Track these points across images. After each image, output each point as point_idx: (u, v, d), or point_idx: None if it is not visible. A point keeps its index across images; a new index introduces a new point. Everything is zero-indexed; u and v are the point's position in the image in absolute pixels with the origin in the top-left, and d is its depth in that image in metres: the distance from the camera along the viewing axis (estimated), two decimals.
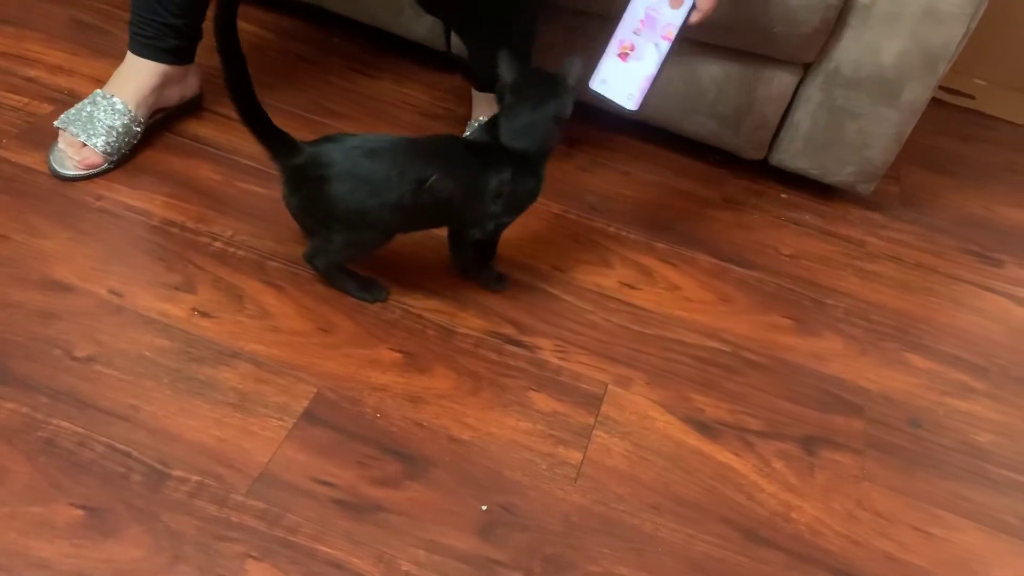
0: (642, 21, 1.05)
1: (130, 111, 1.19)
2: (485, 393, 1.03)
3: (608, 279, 1.22)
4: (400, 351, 1.06)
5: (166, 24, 1.18)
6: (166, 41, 1.20)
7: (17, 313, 0.99)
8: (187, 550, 0.82)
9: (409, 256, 1.18)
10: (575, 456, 0.98)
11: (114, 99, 1.19)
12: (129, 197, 1.17)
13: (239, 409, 0.94)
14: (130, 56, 1.21)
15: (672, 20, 1.03)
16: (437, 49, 1.51)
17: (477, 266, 1.15)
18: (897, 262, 1.39)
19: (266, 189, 1.22)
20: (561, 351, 1.10)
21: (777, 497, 0.99)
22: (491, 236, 1.11)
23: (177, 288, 1.06)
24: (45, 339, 0.97)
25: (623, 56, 1.06)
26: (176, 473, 0.87)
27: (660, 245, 1.30)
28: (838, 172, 1.41)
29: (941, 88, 1.36)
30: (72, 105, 1.20)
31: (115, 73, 1.22)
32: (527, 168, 1.05)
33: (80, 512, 0.83)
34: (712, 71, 1.35)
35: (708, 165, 1.49)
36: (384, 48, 1.57)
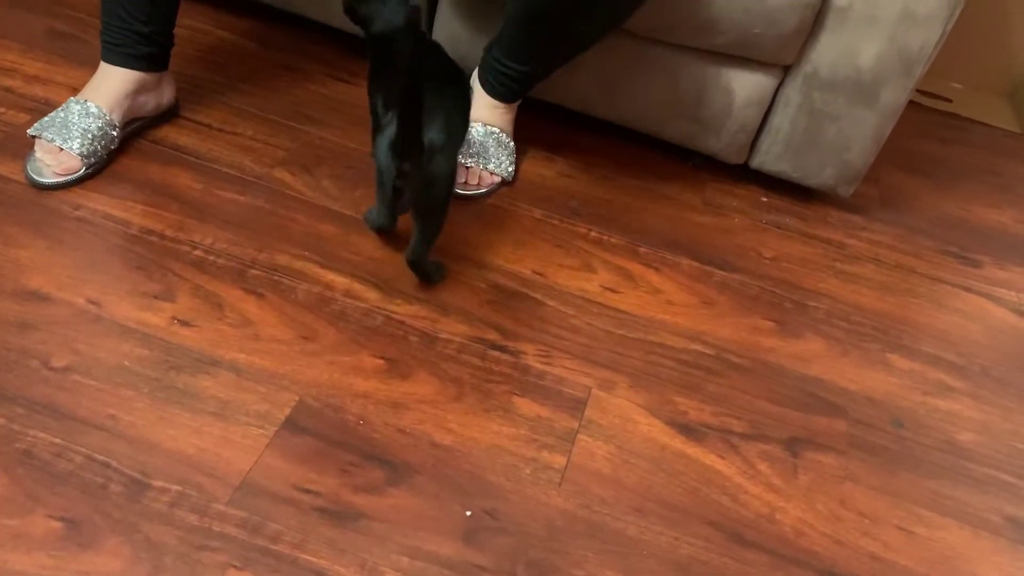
0: None
1: (105, 114, 1.18)
2: (468, 399, 1.02)
3: (591, 283, 1.22)
4: (382, 357, 1.05)
5: (135, 32, 1.18)
6: (137, 48, 1.20)
7: None
8: (167, 561, 0.81)
9: (387, 261, 1.17)
10: (559, 460, 0.98)
11: (88, 104, 1.18)
12: (107, 206, 1.16)
13: (219, 418, 0.94)
14: (103, 65, 1.21)
15: None
16: None
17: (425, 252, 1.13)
18: (877, 263, 1.40)
19: (246, 197, 1.22)
20: (544, 356, 1.10)
21: (761, 499, 0.99)
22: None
23: (156, 297, 1.05)
24: (21, 349, 0.96)
25: None
26: (156, 483, 0.86)
27: (642, 249, 1.30)
28: (818, 175, 1.42)
29: (918, 91, 1.38)
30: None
31: (89, 82, 1.21)
32: None
33: (58, 524, 0.82)
34: (691, 74, 1.35)
35: (689, 169, 1.50)
36: (362, 54, 1.56)
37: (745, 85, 1.34)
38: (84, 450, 0.88)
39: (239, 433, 0.93)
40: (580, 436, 1.01)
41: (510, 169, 1.35)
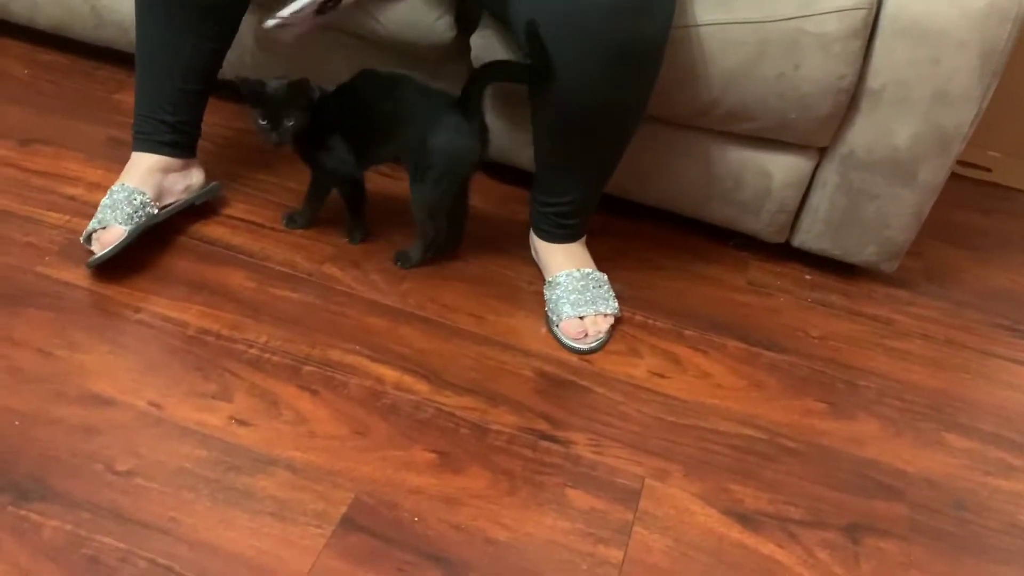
0: None
1: (128, 186, 1.26)
2: (521, 492, 1.03)
3: (638, 369, 1.23)
4: (434, 451, 1.06)
5: (161, 120, 1.28)
6: (163, 136, 1.29)
7: (59, 429, 1.01)
8: None
9: (436, 352, 1.19)
10: (616, 555, 0.97)
11: (113, 187, 1.26)
12: (165, 308, 1.19)
13: (278, 518, 0.95)
14: (132, 155, 1.30)
15: None
16: None
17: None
18: (926, 339, 1.38)
19: (299, 294, 1.25)
20: (595, 445, 1.10)
21: None
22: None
23: (214, 397, 1.08)
24: (86, 454, 0.98)
25: None
26: None
27: (688, 332, 1.31)
28: (860, 252, 1.42)
29: (957, 162, 1.39)
30: None
31: (121, 173, 1.30)
32: None
33: None
34: (727, 158, 1.38)
35: (730, 249, 1.51)
36: None
37: (782, 167, 1.36)
38: (147, 555, 0.89)
39: (297, 533, 0.94)
40: (636, 528, 1.00)
41: (616, 304, 1.29)
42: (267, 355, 1.15)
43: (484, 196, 1.53)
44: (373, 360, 1.17)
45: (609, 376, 1.21)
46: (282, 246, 1.33)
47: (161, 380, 1.09)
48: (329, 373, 1.14)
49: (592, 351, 1.24)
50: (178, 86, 1.27)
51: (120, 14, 1.58)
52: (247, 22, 1.31)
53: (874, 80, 1.25)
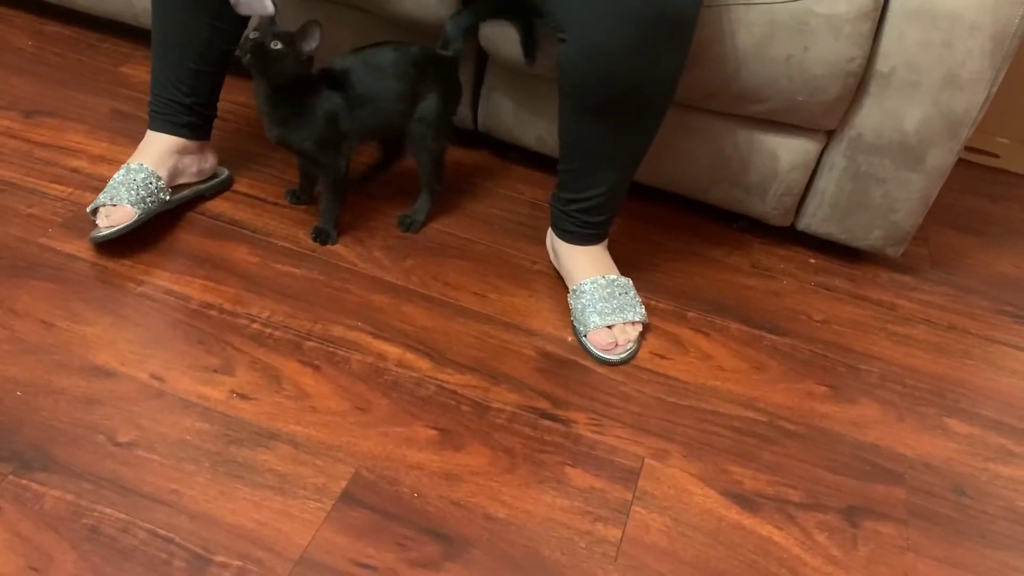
0: None
1: (147, 168, 1.25)
2: (521, 470, 1.03)
3: (640, 349, 1.23)
4: (435, 428, 1.06)
5: (178, 102, 1.27)
6: (179, 117, 1.28)
7: (61, 399, 1.01)
8: None
9: (438, 330, 1.19)
10: (614, 533, 0.97)
11: (132, 164, 1.26)
12: (168, 281, 1.19)
13: (278, 492, 0.95)
14: (148, 132, 1.29)
15: None
16: (464, 127, 1.55)
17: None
18: (930, 325, 1.38)
19: (301, 270, 1.25)
20: (596, 424, 1.10)
21: (821, 571, 0.97)
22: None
23: (216, 371, 1.08)
24: (88, 425, 0.99)
25: None
26: (218, 558, 0.88)
27: (691, 314, 1.31)
28: (866, 236, 1.41)
29: (965, 148, 1.38)
30: None
31: (136, 149, 1.29)
32: None
33: None
34: (735, 140, 1.37)
35: (735, 232, 1.51)
36: None
37: (789, 150, 1.35)
38: (148, 525, 0.90)
39: (297, 507, 0.94)
40: (634, 508, 1.01)
41: (643, 311, 1.26)
42: (269, 330, 1.15)
43: (488, 174, 1.53)
44: (375, 336, 1.17)
45: None
46: (286, 221, 1.33)
47: (163, 353, 1.09)
48: (331, 349, 1.14)
49: (623, 362, 1.20)
50: (193, 68, 1.26)
51: None
52: None
53: (884, 63, 1.24)
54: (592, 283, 1.24)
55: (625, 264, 1.30)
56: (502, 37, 1.33)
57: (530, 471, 1.03)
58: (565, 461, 1.05)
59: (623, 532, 0.98)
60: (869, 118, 1.29)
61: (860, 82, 1.26)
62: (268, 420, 1.03)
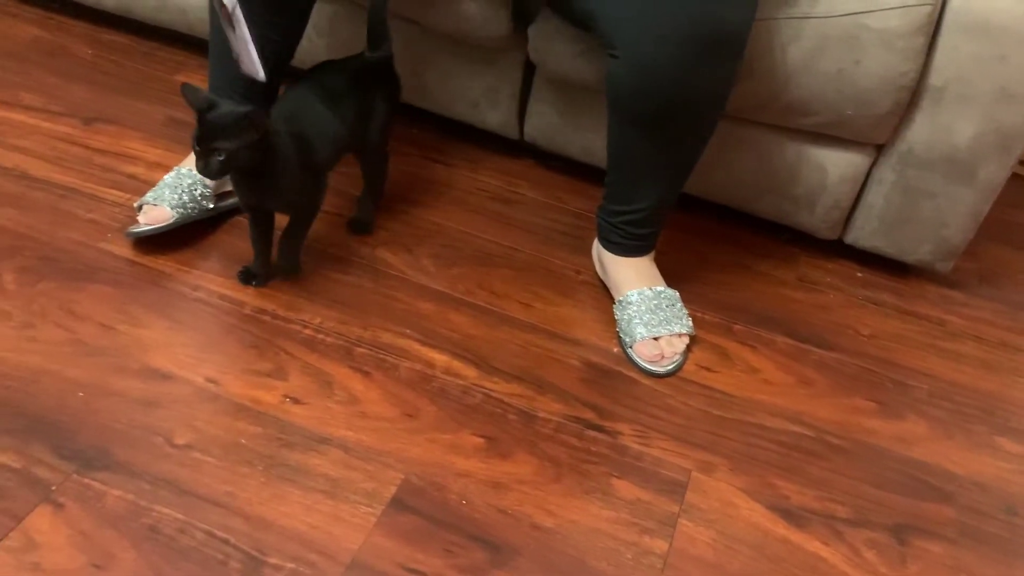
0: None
1: (196, 175, 1.28)
2: (567, 480, 1.04)
3: (687, 362, 1.23)
4: (482, 436, 1.07)
5: None
6: None
7: (120, 401, 1.04)
8: None
9: (484, 339, 1.20)
10: (660, 546, 0.98)
11: (181, 168, 1.30)
12: (223, 287, 1.22)
13: (329, 496, 0.97)
14: None
15: None
16: (509, 137, 1.56)
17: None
18: (979, 341, 1.36)
19: (352, 277, 1.27)
20: (642, 436, 1.11)
21: None
22: None
23: (269, 375, 1.10)
24: (146, 426, 1.01)
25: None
26: (271, 560, 0.90)
27: (737, 327, 1.31)
28: (915, 251, 1.40)
29: (1018, 162, 1.36)
30: None
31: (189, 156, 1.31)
32: None
33: None
34: (785, 152, 1.37)
35: (782, 244, 1.50)
36: (458, 137, 1.62)
37: (838, 163, 1.35)
38: (204, 526, 0.92)
39: (348, 511, 0.96)
40: (681, 520, 1.01)
41: (690, 323, 1.25)
42: (321, 336, 1.17)
43: (533, 184, 1.54)
44: (423, 344, 1.18)
45: None
46: (336, 229, 1.35)
47: (218, 357, 1.12)
48: (381, 355, 1.16)
49: (669, 374, 1.20)
50: (248, 78, 1.28)
51: None
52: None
53: (936, 77, 1.23)
54: (639, 294, 1.25)
55: (672, 276, 1.31)
56: (550, 49, 1.35)
57: (576, 481, 1.03)
58: (611, 472, 1.05)
59: (670, 545, 0.98)
60: (920, 132, 1.28)
61: (912, 96, 1.25)
62: (319, 425, 1.05)
